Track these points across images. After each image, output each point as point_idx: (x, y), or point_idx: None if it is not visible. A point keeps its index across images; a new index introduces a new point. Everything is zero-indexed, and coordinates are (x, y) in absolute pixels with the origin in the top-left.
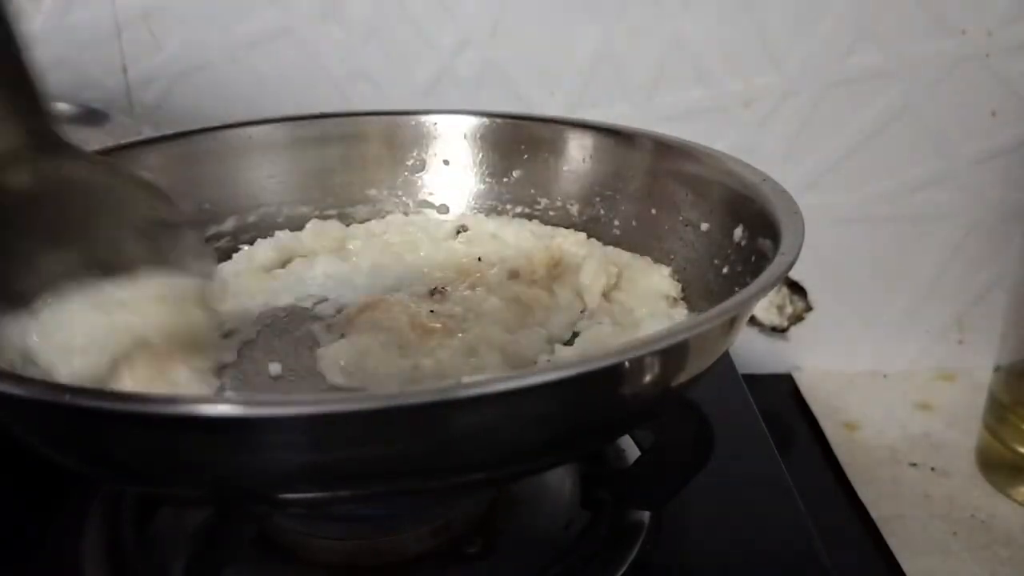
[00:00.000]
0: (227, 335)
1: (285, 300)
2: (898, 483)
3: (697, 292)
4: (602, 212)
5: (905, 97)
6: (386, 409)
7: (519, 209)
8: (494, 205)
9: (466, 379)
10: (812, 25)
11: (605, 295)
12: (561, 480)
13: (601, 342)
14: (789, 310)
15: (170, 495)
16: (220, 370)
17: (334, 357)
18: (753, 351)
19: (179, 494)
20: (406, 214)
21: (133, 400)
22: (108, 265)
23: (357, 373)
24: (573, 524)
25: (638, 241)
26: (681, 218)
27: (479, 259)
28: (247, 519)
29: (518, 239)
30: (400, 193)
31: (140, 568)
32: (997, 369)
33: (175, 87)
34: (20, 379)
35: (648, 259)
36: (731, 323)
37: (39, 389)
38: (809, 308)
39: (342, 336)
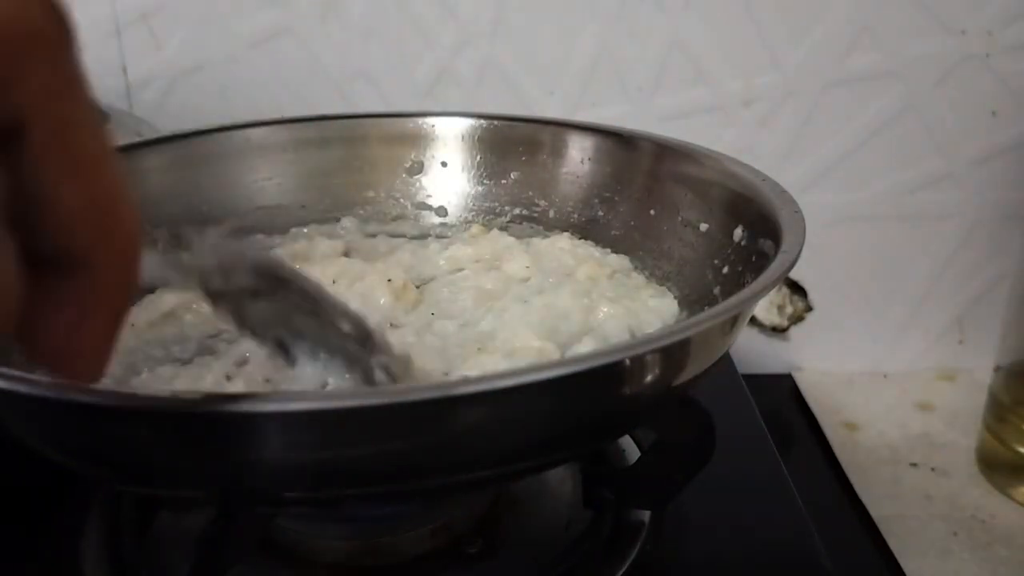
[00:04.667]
0: None
1: None
2: (898, 483)
3: (697, 292)
4: (600, 213)
5: (905, 97)
6: (389, 405)
7: (517, 211)
8: (492, 207)
9: (470, 375)
10: (812, 25)
11: None
12: (562, 480)
13: None
14: (789, 310)
15: (172, 496)
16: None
17: None
18: (753, 351)
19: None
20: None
21: (134, 397)
22: None
23: None
24: (573, 524)
25: (637, 242)
26: (680, 219)
27: None
28: (252, 521)
29: None
30: (398, 195)
31: (140, 569)
32: (997, 369)
33: (175, 87)
34: (20, 376)
35: None
36: (732, 322)
37: (39, 386)
38: (809, 308)
39: None
